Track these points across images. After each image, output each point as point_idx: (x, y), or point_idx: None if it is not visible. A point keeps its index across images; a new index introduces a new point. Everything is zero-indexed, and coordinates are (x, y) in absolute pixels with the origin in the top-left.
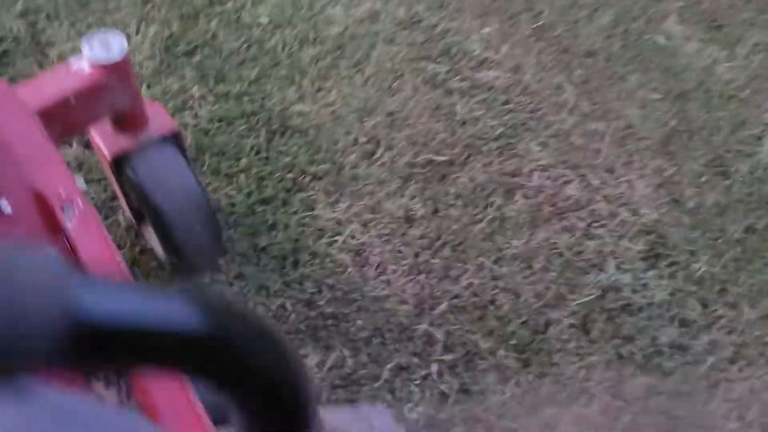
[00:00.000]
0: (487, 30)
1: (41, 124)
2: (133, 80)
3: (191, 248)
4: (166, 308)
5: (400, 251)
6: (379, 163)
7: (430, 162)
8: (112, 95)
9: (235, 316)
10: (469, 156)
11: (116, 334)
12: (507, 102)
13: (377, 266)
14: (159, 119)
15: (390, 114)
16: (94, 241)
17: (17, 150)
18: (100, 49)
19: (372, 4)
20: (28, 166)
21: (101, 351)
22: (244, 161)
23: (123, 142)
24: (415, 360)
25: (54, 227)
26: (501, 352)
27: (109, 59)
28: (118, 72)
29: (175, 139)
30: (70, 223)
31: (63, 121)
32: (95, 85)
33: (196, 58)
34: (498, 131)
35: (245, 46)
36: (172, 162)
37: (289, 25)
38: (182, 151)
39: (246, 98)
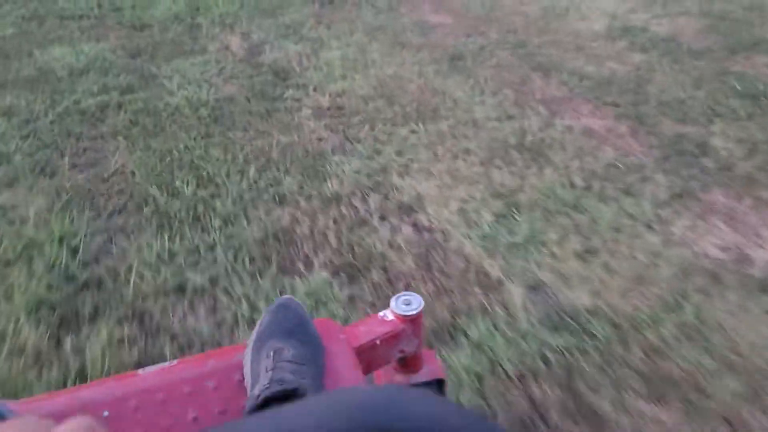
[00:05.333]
0: None
1: (356, 359)
2: (421, 331)
3: None
4: None
5: None
6: None
7: None
8: (406, 341)
9: None
10: None
11: None
12: None
13: None
14: (431, 366)
15: None
16: None
17: (339, 378)
18: (403, 305)
19: None
20: None
21: None
22: None
23: (398, 379)
24: None
25: None
26: None
27: (409, 312)
28: (413, 323)
29: (438, 385)
30: None
31: (369, 358)
32: (396, 332)
33: None
34: None
35: None
36: None
37: None
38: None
39: None
